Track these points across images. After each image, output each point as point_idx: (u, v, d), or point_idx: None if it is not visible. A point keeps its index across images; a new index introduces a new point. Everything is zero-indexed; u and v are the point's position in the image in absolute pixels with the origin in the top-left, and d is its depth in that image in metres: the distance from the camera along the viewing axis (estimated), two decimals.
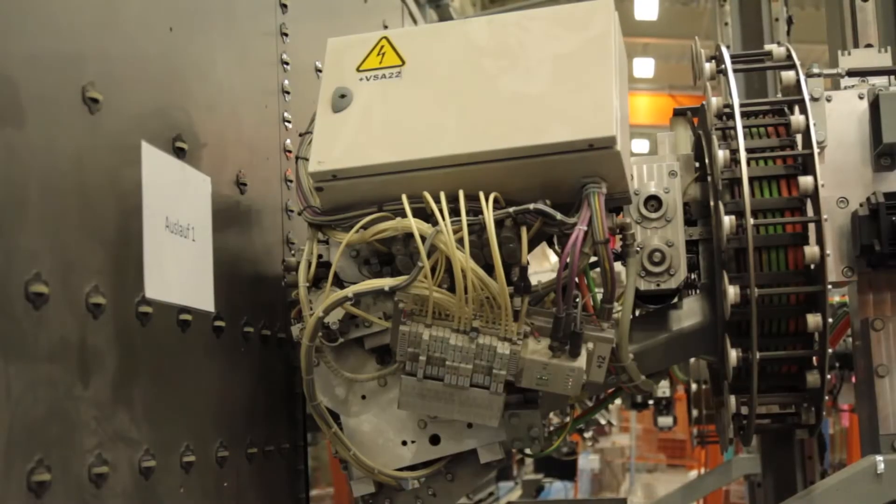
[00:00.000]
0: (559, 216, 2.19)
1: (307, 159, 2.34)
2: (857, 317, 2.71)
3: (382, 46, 2.34)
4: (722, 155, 2.43)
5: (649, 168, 2.53)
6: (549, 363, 2.21)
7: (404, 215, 2.22)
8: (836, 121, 2.70)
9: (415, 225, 2.20)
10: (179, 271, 2.28)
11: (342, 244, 2.32)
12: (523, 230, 2.21)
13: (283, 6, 3.04)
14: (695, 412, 5.88)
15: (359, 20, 3.98)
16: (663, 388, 6.16)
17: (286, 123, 3.02)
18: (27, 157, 1.73)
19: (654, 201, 2.50)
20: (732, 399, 2.69)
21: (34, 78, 1.77)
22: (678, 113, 2.76)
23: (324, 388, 2.55)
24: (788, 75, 2.61)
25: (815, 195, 2.42)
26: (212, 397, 2.42)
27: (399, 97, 2.28)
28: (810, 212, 2.47)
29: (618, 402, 7.32)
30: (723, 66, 2.62)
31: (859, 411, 2.81)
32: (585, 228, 2.14)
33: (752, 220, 2.39)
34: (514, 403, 2.44)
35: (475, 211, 2.20)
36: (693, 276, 2.64)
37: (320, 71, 2.52)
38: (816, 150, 2.46)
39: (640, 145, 21.80)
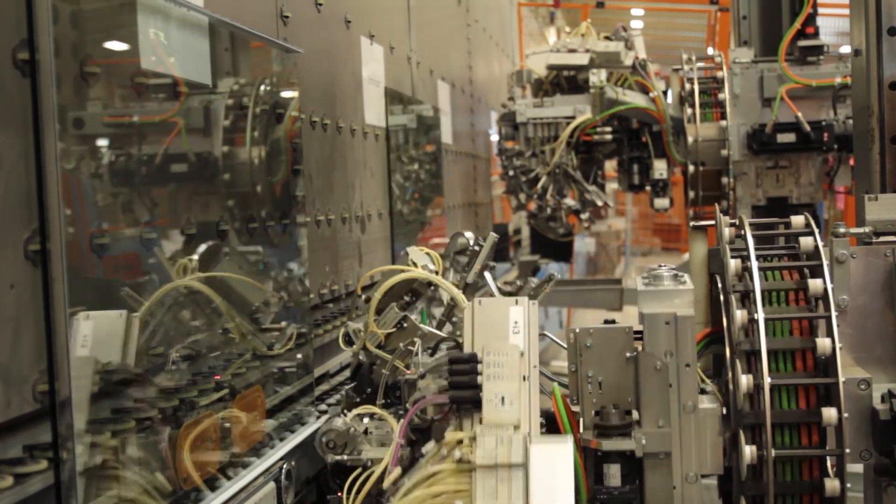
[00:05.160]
0: None
1: None
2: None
3: None
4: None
5: None
6: None
7: None
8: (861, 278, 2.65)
9: None
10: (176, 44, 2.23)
11: None
12: None
13: None
14: (691, 194, 5.86)
15: None
16: (660, 171, 6.10)
17: None
18: None
19: None
20: None
21: None
22: (696, 228, 2.83)
23: None
24: (807, 241, 2.54)
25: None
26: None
27: None
28: None
29: (614, 185, 7.32)
30: (742, 231, 2.56)
31: None
32: None
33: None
34: None
35: None
36: None
37: None
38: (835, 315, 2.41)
39: None
